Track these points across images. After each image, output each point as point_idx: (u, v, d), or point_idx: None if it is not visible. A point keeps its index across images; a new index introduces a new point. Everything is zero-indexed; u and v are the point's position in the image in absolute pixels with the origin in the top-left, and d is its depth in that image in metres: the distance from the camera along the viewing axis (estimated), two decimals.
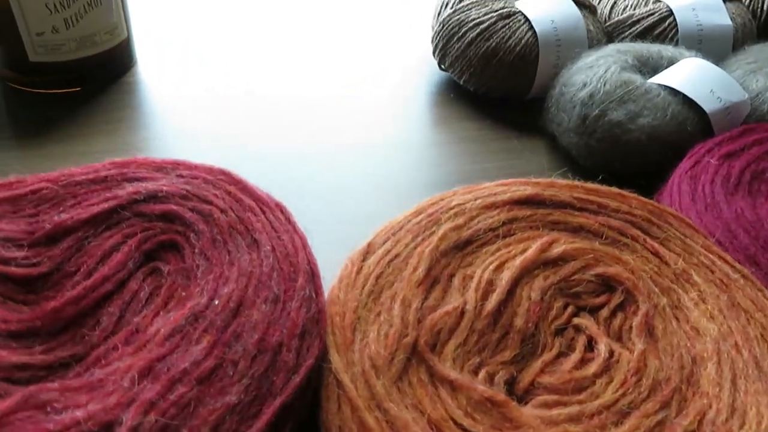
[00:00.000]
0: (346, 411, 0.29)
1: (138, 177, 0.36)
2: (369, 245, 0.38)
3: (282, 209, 0.36)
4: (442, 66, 0.68)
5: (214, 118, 0.62)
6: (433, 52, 0.68)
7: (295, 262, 0.32)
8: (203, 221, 0.34)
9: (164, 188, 0.35)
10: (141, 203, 0.34)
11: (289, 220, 0.35)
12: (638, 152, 0.53)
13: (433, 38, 0.68)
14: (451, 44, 0.65)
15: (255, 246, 0.33)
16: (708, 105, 0.53)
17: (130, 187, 0.35)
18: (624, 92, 0.54)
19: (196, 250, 0.33)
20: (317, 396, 0.30)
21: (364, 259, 0.37)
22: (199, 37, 0.76)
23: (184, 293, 0.31)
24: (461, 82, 0.66)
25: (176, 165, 0.37)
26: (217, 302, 0.30)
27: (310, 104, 0.65)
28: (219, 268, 0.32)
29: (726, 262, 0.38)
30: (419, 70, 0.72)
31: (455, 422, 0.30)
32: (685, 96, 0.54)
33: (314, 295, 0.32)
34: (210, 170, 0.37)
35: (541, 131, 0.62)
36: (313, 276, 0.33)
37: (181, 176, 0.36)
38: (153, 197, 0.35)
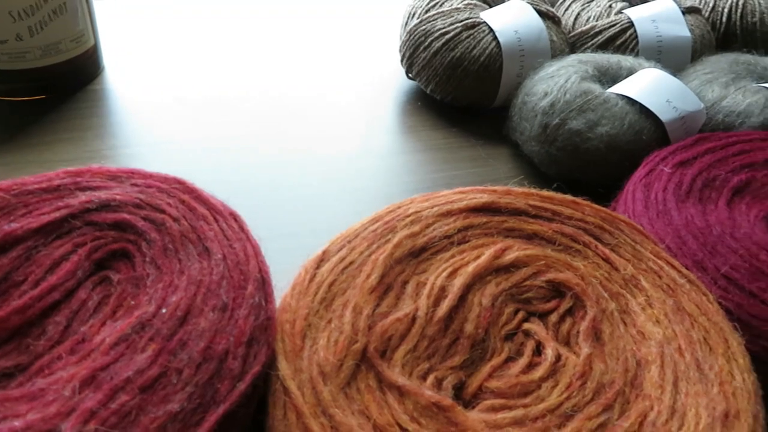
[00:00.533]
0: (291, 417, 0.29)
1: (91, 186, 0.36)
2: (324, 253, 0.38)
3: (236, 217, 0.36)
4: (410, 75, 0.69)
5: (182, 126, 0.63)
6: (401, 62, 0.69)
7: (246, 270, 0.33)
8: (155, 230, 0.34)
9: (117, 197, 0.35)
10: (93, 212, 0.34)
11: (242, 228, 0.35)
12: (597, 160, 0.54)
13: (400, 48, 0.69)
14: (418, 54, 0.66)
15: (206, 254, 0.33)
16: (664, 114, 0.55)
17: (82, 196, 0.35)
18: (583, 102, 0.55)
19: (147, 259, 0.33)
20: (265, 403, 0.31)
21: (318, 267, 0.37)
22: (168, 44, 0.76)
23: (133, 302, 0.31)
24: (428, 91, 0.67)
25: (131, 174, 0.37)
26: (164, 311, 0.30)
27: (279, 113, 0.66)
28: (169, 277, 0.32)
29: (673, 267, 0.39)
30: (388, 79, 0.73)
31: (401, 427, 0.30)
32: (642, 106, 0.55)
33: (264, 303, 0.32)
34: (165, 179, 0.37)
35: (506, 140, 0.63)
36: (263, 284, 0.33)
37: (136, 185, 0.36)
38: (105, 206, 0.35)
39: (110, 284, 0.33)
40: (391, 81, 0.73)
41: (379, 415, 0.30)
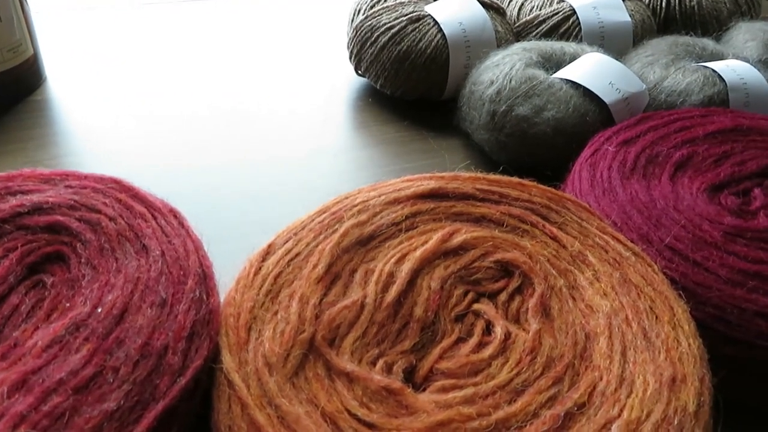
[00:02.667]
0: (236, 410, 0.29)
1: (23, 190, 0.35)
2: (269, 246, 0.38)
3: (175, 214, 0.35)
4: (359, 71, 0.69)
5: (126, 134, 0.61)
6: (350, 59, 0.69)
7: (186, 266, 0.32)
8: (91, 230, 0.33)
9: (50, 199, 0.34)
10: (25, 216, 0.33)
11: (182, 224, 0.35)
12: (545, 144, 0.55)
13: (348, 44, 0.69)
14: (365, 49, 0.66)
15: (144, 252, 0.32)
16: (607, 96, 0.55)
17: (13, 200, 0.34)
18: (529, 87, 0.56)
19: (83, 260, 0.32)
20: (210, 398, 0.30)
21: (263, 260, 0.37)
22: (111, 53, 0.75)
23: (68, 304, 0.30)
24: (378, 86, 0.67)
25: (65, 176, 0.36)
26: (100, 310, 0.29)
27: (226, 116, 0.65)
28: (105, 276, 0.31)
29: (619, 241, 0.39)
30: (338, 77, 0.73)
31: (350, 413, 0.30)
32: (586, 89, 0.56)
33: (205, 297, 0.31)
34: (100, 179, 0.36)
35: (457, 130, 0.63)
36: (205, 278, 0.32)
37: (70, 187, 0.35)
38: (38, 209, 0.34)
39: (44, 288, 0.32)
40: (342, 79, 0.73)
41: (328, 402, 0.30)
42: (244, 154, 0.60)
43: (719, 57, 0.62)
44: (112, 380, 0.26)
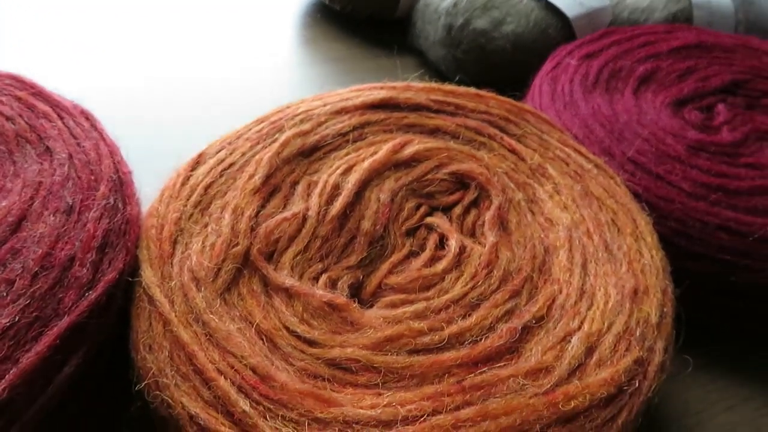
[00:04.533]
0: (158, 328, 0.25)
1: None
2: (200, 155, 0.34)
3: (87, 116, 0.31)
4: None
5: (32, 29, 0.55)
6: None
7: (98, 170, 0.28)
8: None
9: None
10: None
11: (95, 127, 0.30)
12: (504, 61, 0.52)
13: None
14: None
15: (47, 154, 0.28)
16: (570, 10, 0.52)
17: None
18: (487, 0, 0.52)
19: None
20: (128, 316, 0.26)
21: (192, 170, 0.33)
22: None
23: None
24: (327, 1, 0.62)
25: None
26: None
27: (160, 28, 0.59)
28: (1, 182, 0.27)
29: (581, 154, 0.37)
30: None
31: (289, 330, 0.27)
32: (547, 2, 0.52)
33: (121, 205, 0.27)
34: None
35: (410, 49, 0.59)
36: (121, 185, 0.28)
37: None
38: None
39: None
40: None
41: (264, 319, 0.27)
42: (180, 68, 0.54)
43: None
44: (5, 293, 0.23)
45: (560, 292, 0.30)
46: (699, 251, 0.35)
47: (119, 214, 0.27)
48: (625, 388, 0.26)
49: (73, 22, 0.58)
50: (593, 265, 0.31)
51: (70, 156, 0.28)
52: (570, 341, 0.27)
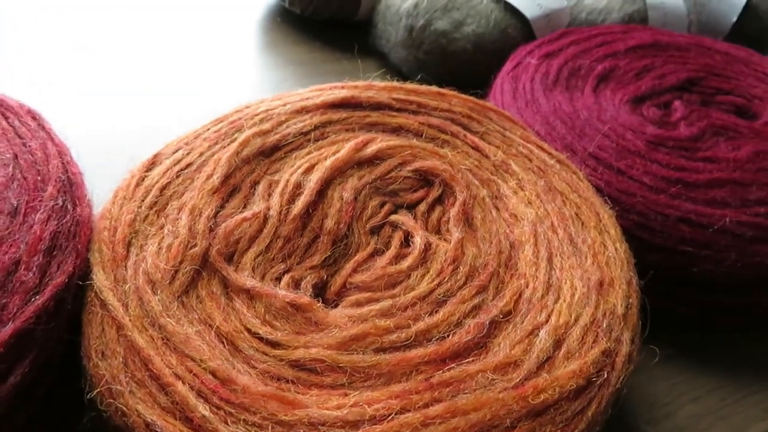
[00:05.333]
0: (111, 333, 0.24)
1: None
2: (156, 156, 0.33)
3: (34, 116, 0.29)
4: None
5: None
6: None
7: (45, 171, 0.26)
8: None
9: None
10: None
11: (42, 127, 0.29)
12: (465, 62, 0.52)
13: None
14: None
15: None
16: (529, 11, 0.53)
17: None
18: (448, 1, 0.52)
19: None
20: (79, 322, 0.25)
21: (148, 170, 0.32)
22: None
23: None
24: (287, 5, 0.61)
25: None
26: None
27: (120, 32, 0.57)
28: None
29: (543, 150, 0.37)
30: None
31: (250, 332, 0.26)
32: (507, 3, 0.53)
33: (70, 207, 0.26)
34: None
35: (372, 51, 0.59)
36: (70, 185, 0.27)
37: None
38: None
39: None
40: None
41: (224, 321, 0.26)
42: (139, 71, 0.53)
43: None
44: None
45: (527, 286, 0.30)
46: (661, 243, 0.35)
47: (68, 216, 0.25)
48: (594, 379, 0.26)
49: (31, 25, 0.56)
50: (559, 259, 0.31)
51: (15, 156, 0.26)
52: (538, 335, 0.27)
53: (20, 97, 0.33)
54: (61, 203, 0.25)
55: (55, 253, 0.24)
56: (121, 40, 0.57)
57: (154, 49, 0.56)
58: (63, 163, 0.27)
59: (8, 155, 0.26)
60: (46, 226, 0.24)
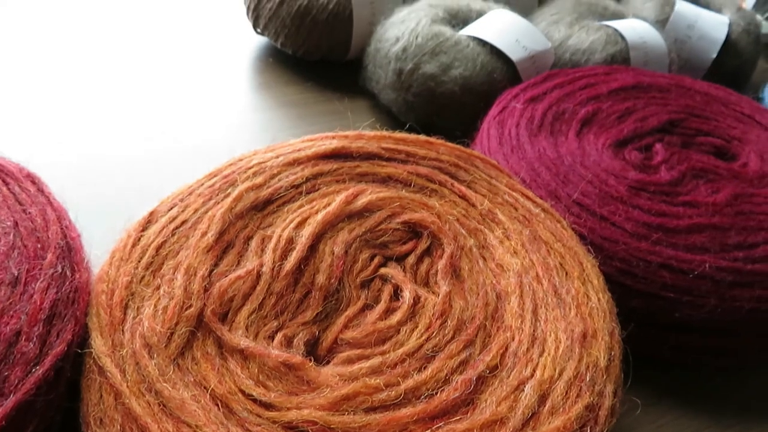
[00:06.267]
0: (109, 400, 0.25)
1: None
2: (151, 214, 0.34)
3: (33, 180, 0.30)
4: (257, 29, 0.64)
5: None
6: (247, 14, 0.64)
7: (45, 238, 0.27)
8: None
9: None
10: None
11: (42, 191, 0.30)
12: (453, 103, 0.53)
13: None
14: (263, 4, 0.61)
15: None
16: (514, 54, 0.54)
17: None
18: (435, 44, 0.53)
19: None
20: (78, 389, 0.26)
21: (143, 229, 0.32)
22: None
23: None
24: (278, 45, 0.63)
25: None
26: None
27: (110, 77, 0.58)
28: None
29: (528, 198, 0.38)
30: (235, 35, 0.68)
31: (244, 394, 0.26)
32: (493, 46, 0.54)
33: (69, 273, 0.27)
34: None
35: (363, 91, 0.60)
36: (69, 251, 0.28)
37: None
38: None
39: None
40: (239, 38, 0.67)
41: (219, 383, 0.27)
42: (129, 117, 0.54)
43: (620, 16, 0.62)
44: None
45: (513, 339, 0.31)
46: (643, 289, 0.36)
47: (67, 283, 0.26)
48: None
49: (16, 81, 0.57)
50: (543, 311, 0.32)
51: (16, 224, 0.27)
52: (523, 390, 0.28)
53: (15, 156, 0.34)
54: (60, 270, 0.26)
55: (54, 321, 0.25)
56: (113, 87, 0.58)
57: (145, 91, 0.57)
58: (62, 228, 0.28)
59: (9, 223, 0.27)
60: (45, 295, 0.25)
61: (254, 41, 0.67)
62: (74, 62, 0.60)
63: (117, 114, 0.54)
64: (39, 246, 0.27)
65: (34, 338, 0.24)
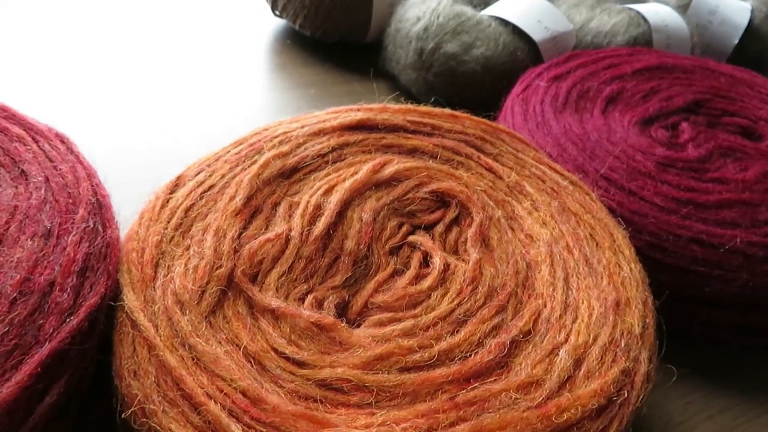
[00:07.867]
0: (142, 353, 0.25)
1: None
2: (179, 178, 0.33)
3: (63, 139, 0.30)
4: (276, 11, 0.64)
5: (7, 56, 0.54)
6: None
7: (76, 194, 0.27)
8: None
9: None
10: None
11: (71, 150, 0.29)
12: (474, 83, 0.53)
13: None
14: None
15: (23, 178, 0.27)
16: (536, 34, 0.54)
17: None
18: (457, 24, 0.53)
19: None
20: (110, 342, 0.26)
21: (172, 192, 0.32)
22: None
23: None
24: (297, 27, 0.63)
25: None
26: None
27: (137, 57, 0.58)
28: None
29: (556, 171, 0.38)
30: (253, 17, 0.67)
31: (277, 351, 0.26)
32: (515, 26, 0.54)
33: (101, 228, 0.26)
34: None
35: (382, 73, 0.60)
36: (100, 208, 0.27)
37: None
38: None
39: None
40: (257, 20, 0.67)
41: (251, 341, 0.26)
42: (153, 95, 0.54)
43: (640, 1, 0.62)
44: None
45: (545, 306, 0.30)
46: (673, 263, 0.36)
47: (99, 238, 0.26)
48: (615, 398, 0.26)
49: (47, 48, 0.57)
50: (575, 279, 0.32)
51: (47, 179, 0.27)
52: (558, 354, 0.28)
53: (45, 118, 0.34)
54: (92, 225, 0.26)
55: (87, 274, 0.25)
56: (136, 65, 0.58)
57: (165, 73, 0.57)
58: (92, 186, 0.28)
59: (40, 178, 0.27)
60: (78, 248, 0.25)
61: (272, 23, 0.67)
62: (98, 44, 0.60)
63: (138, 92, 0.54)
64: (70, 201, 0.27)
65: (68, 289, 0.24)
